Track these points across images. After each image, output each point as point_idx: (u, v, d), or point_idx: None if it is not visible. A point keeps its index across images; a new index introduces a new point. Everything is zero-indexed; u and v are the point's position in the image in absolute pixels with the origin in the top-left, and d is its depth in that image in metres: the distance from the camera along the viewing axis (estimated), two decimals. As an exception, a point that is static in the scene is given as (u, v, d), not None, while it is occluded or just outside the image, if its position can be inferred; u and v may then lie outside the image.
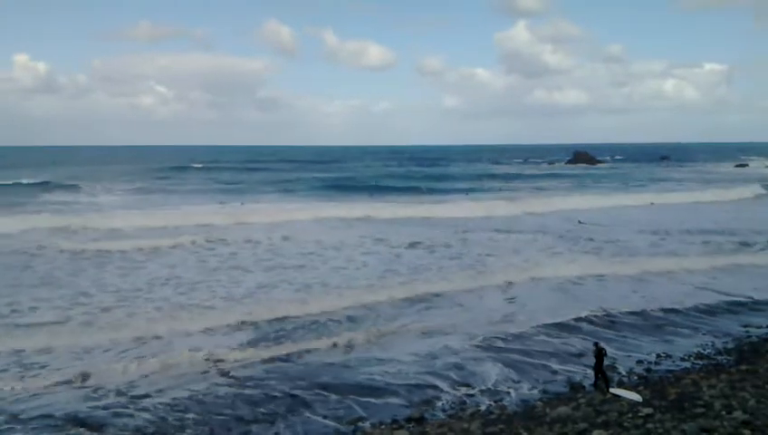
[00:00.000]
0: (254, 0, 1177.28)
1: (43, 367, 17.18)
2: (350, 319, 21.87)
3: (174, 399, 15.09)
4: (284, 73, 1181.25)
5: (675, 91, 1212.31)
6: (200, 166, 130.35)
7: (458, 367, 17.30)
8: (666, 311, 22.76)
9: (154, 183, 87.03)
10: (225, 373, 16.81)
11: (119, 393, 15.43)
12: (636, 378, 16.22)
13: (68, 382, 16.13)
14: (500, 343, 19.43)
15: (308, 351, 18.47)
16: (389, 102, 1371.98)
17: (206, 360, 17.68)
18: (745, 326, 20.90)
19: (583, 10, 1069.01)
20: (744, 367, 16.35)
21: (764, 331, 20.31)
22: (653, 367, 17.11)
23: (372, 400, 15.29)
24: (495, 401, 14.99)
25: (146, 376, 16.59)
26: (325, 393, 15.56)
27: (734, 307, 23.30)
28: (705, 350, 18.54)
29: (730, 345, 18.89)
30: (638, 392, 14.67)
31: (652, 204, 60.16)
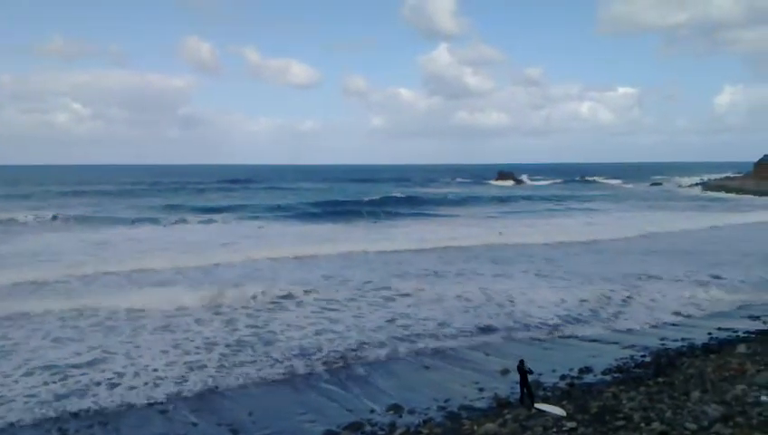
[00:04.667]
0: (169, 17, 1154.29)
1: None
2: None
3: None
4: (207, 91, 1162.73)
5: (590, 114, 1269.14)
6: (145, 186, 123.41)
7: (385, 389, 17.23)
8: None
9: (113, 205, 78.88)
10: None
11: None
12: (559, 392, 16.53)
13: None
14: (427, 361, 19.58)
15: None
16: (316, 121, 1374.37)
17: None
18: (662, 339, 21.75)
19: (502, 34, 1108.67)
20: (661, 379, 16.94)
21: (680, 344, 21.15)
22: (576, 381, 17.51)
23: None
24: (424, 421, 14.93)
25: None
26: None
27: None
28: (624, 363, 19.13)
29: (648, 359, 19.55)
30: (562, 407, 14.93)
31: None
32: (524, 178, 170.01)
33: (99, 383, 17.47)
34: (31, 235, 49.36)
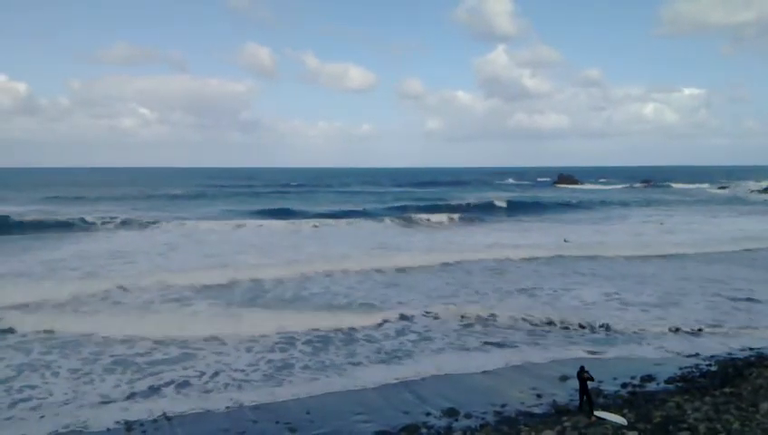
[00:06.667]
0: (228, 23, 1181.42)
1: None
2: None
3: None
4: (266, 96, 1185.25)
5: (654, 115, 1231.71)
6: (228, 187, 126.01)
7: (444, 393, 17.20)
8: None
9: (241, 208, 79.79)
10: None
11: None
12: (621, 401, 16.15)
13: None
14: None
15: None
16: (371, 125, 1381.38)
17: None
18: (729, 348, 20.96)
19: (560, 35, 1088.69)
20: (728, 390, 16.35)
21: (747, 353, 20.36)
22: (638, 390, 17.08)
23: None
24: (481, 426, 14.84)
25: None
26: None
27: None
28: (689, 372, 18.54)
29: (714, 368, 18.91)
30: (623, 415, 14.59)
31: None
32: (586, 181, 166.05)
33: (171, 382, 18.12)
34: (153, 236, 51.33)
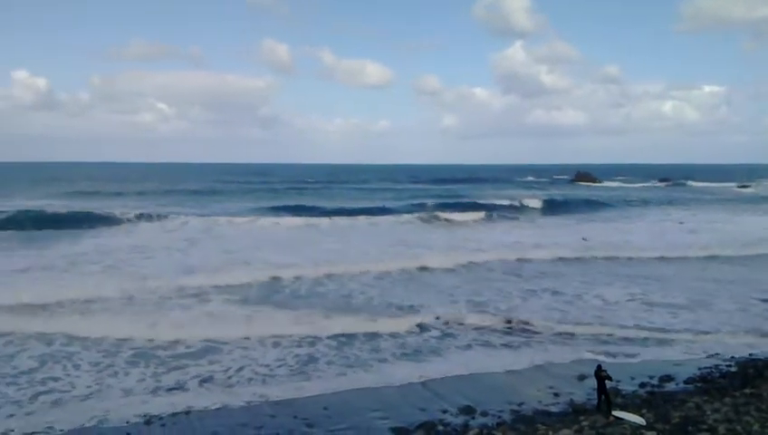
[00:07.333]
0: (246, 19, 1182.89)
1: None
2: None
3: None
4: (284, 92, 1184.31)
5: (674, 112, 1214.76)
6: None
7: (461, 391, 17.24)
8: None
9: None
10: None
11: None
12: (639, 401, 16.08)
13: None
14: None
15: None
16: (388, 121, 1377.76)
17: None
18: (750, 349, 20.76)
19: (578, 31, 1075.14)
20: (748, 391, 16.21)
21: (768, 354, 20.16)
22: (656, 390, 16.99)
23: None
24: (498, 424, 14.85)
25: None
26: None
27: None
28: (709, 373, 18.40)
29: (734, 369, 18.75)
30: (641, 415, 14.53)
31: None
32: (604, 179, 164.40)
33: (197, 376, 18.39)
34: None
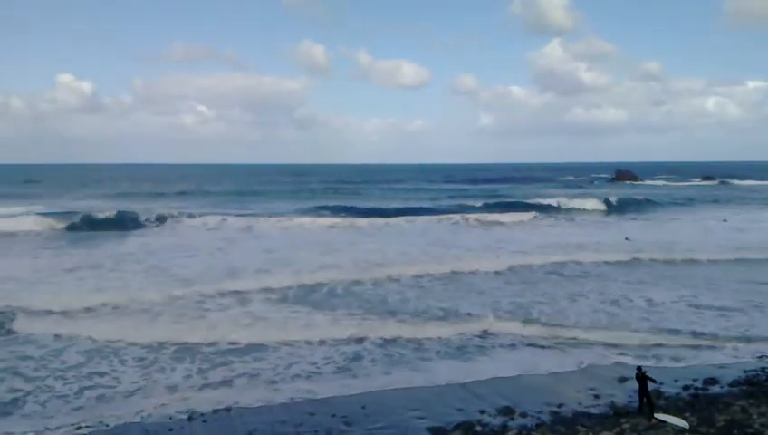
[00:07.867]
0: (283, 21, 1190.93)
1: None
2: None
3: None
4: (320, 93, 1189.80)
5: (716, 109, 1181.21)
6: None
7: (500, 391, 17.24)
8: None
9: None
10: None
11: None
12: (682, 404, 15.80)
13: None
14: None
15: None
16: (424, 120, 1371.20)
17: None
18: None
19: (616, 28, 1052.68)
20: (796, 395, 15.79)
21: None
22: (700, 393, 16.67)
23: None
24: (537, 425, 14.77)
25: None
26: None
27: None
28: (755, 376, 17.96)
29: (781, 372, 18.24)
30: (685, 419, 14.28)
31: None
32: (645, 178, 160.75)
33: (244, 374, 18.76)
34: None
